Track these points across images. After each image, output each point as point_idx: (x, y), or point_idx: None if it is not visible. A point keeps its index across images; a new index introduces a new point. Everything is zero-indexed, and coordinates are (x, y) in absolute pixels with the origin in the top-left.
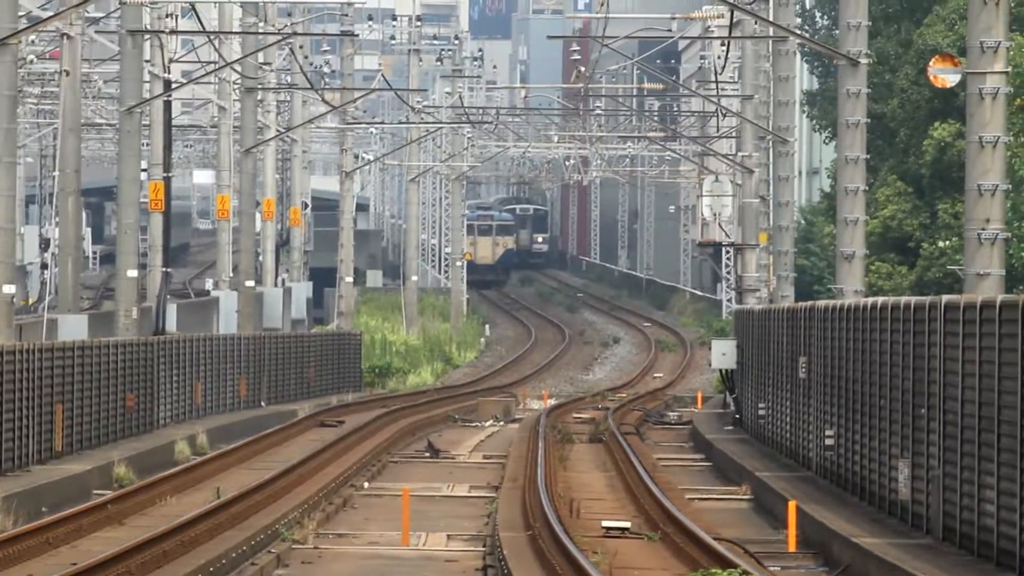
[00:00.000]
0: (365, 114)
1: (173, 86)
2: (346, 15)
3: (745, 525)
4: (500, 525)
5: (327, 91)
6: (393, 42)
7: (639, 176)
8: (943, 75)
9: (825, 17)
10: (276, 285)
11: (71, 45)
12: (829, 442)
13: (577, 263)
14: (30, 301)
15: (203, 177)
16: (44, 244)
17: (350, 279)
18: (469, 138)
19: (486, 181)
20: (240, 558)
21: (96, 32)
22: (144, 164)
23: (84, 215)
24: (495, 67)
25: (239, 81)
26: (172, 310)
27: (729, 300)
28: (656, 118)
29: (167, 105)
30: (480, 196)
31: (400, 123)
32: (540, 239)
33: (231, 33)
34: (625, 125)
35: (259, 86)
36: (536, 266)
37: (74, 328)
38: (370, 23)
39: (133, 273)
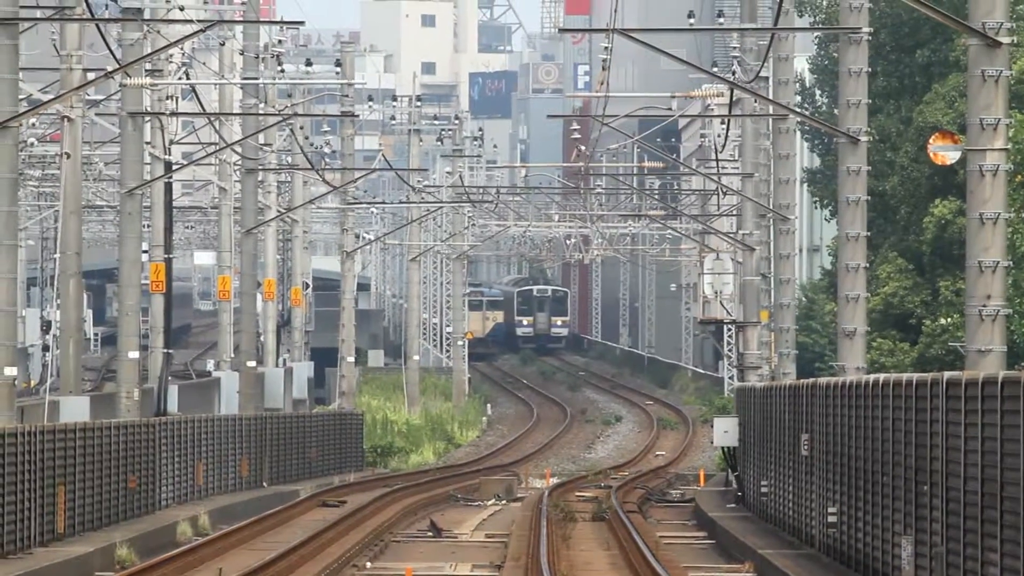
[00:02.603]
0: (366, 194)
1: (174, 167)
2: (346, 96)
3: None
4: None
5: (328, 171)
6: (393, 122)
7: (640, 254)
8: (943, 152)
9: (825, 95)
10: (277, 365)
11: (72, 128)
12: (832, 519)
13: (579, 341)
14: (32, 383)
15: (204, 258)
16: (46, 326)
17: (351, 359)
18: (470, 217)
19: (487, 260)
20: None
21: (97, 115)
22: (145, 246)
23: (85, 297)
24: (495, 146)
25: (239, 162)
26: (174, 391)
27: (731, 378)
28: (657, 196)
29: (168, 186)
30: (474, 275)
31: (401, 203)
32: (559, 322)
33: (231, 114)
34: (626, 204)
35: (260, 167)
36: (555, 352)
37: (76, 410)
38: (370, 103)
39: (135, 355)
